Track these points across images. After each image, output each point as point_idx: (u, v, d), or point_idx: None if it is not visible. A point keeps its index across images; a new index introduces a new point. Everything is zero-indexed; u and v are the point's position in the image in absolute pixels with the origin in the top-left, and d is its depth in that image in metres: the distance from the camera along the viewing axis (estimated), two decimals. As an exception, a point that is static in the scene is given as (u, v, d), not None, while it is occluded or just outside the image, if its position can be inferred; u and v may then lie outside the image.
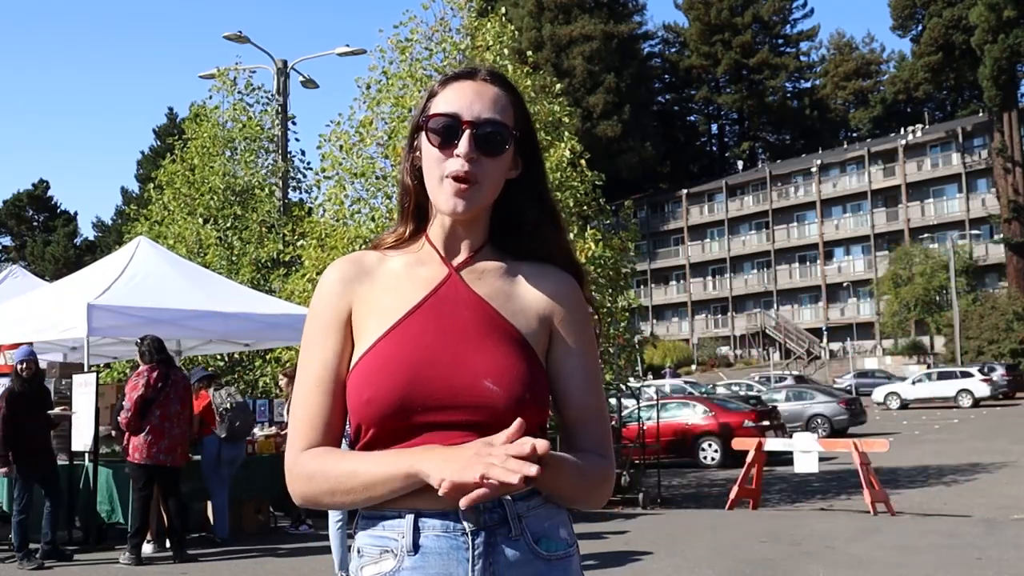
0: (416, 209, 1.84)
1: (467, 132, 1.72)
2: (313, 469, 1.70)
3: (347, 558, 7.03)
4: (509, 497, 1.68)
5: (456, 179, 1.71)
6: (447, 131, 1.73)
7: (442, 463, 1.57)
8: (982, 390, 40.70)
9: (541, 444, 1.53)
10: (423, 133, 1.77)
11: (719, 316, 73.33)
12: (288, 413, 1.80)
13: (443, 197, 1.73)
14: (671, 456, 21.61)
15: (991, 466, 19.24)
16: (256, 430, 12.85)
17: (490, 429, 1.63)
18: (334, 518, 8.14)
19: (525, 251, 1.84)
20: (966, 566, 8.75)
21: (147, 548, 10.17)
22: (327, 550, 8.57)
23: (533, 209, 1.84)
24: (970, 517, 12.68)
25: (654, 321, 74.13)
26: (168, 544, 10.20)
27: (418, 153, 1.80)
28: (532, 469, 1.50)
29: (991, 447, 23.15)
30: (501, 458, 1.52)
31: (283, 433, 12.76)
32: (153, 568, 9.49)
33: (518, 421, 1.57)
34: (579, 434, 1.79)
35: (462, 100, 1.74)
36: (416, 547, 1.66)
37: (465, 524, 1.66)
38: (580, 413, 1.79)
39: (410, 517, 1.67)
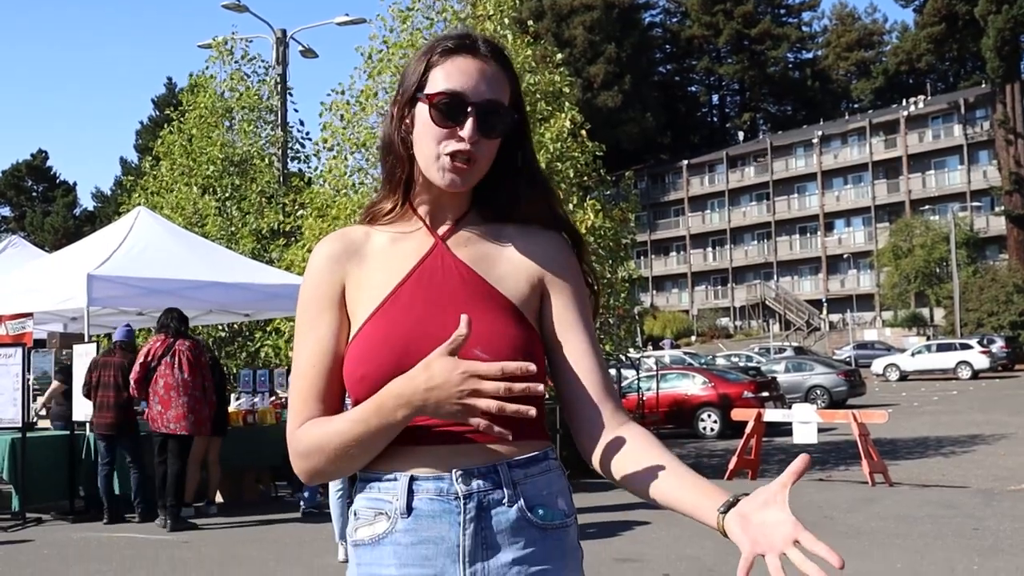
0: (407, 180, 1.82)
1: (473, 114, 1.71)
2: (308, 445, 1.71)
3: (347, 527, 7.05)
4: (505, 463, 1.68)
5: (456, 158, 1.71)
6: (452, 110, 1.71)
7: (426, 401, 1.59)
8: (981, 362, 40.80)
9: (532, 367, 1.56)
10: (422, 106, 1.75)
11: (719, 287, 73.39)
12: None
13: (439, 173, 1.73)
14: (670, 426, 21.71)
15: (989, 438, 19.30)
16: (256, 400, 12.89)
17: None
18: (334, 487, 8.18)
19: (509, 214, 1.84)
20: (963, 536, 8.80)
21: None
22: (327, 518, 8.62)
23: (516, 174, 1.83)
24: (968, 488, 12.72)
25: (654, 292, 74.16)
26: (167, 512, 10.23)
27: (409, 122, 1.78)
28: (531, 411, 1.54)
29: (989, 419, 23.21)
30: (499, 391, 1.55)
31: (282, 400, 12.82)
32: (153, 539, 9.54)
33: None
34: (590, 389, 1.76)
35: (467, 79, 1.72)
36: (409, 509, 1.68)
37: (458, 488, 1.66)
38: (587, 367, 1.76)
39: (404, 480, 1.68)
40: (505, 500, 1.68)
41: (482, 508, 1.67)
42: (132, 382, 9.97)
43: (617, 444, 1.72)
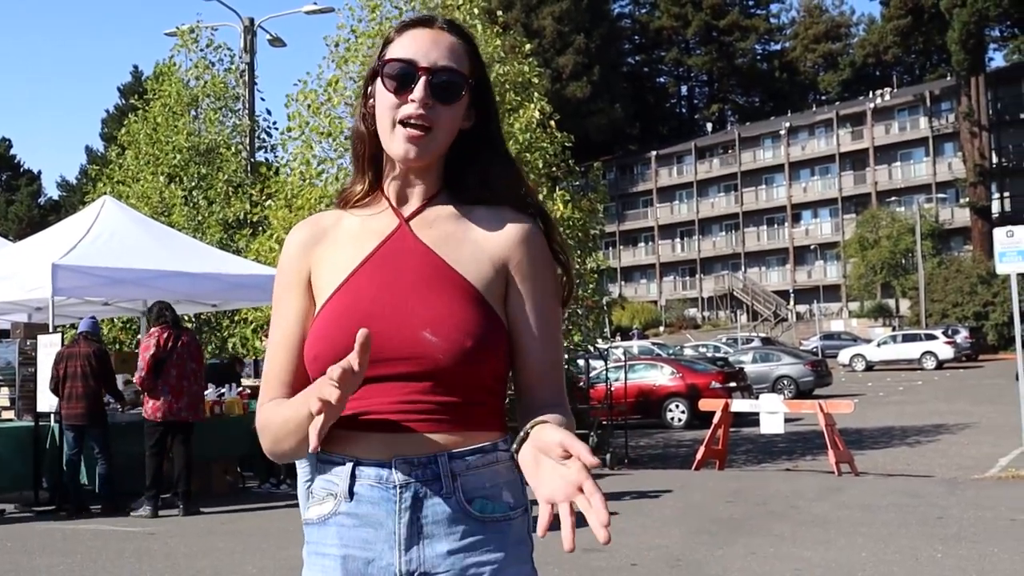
0: (372, 158, 1.82)
1: (423, 78, 1.71)
2: (262, 422, 1.77)
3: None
4: (446, 454, 1.68)
5: (410, 124, 1.71)
6: (403, 77, 1.72)
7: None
8: (946, 352, 41.18)
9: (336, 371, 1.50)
10: (378, 79, 1.76)
11: (687, 278, 73.61)
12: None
13: (396, 143, 1.73)
14: (638, 417, 21.78)
15: (953, 427, 19.50)
16: (223, 391, 12.83)
17: (432, 381, 1.66)
18: (303, 477, 8.14)
19: (479, 197, 1.81)
20: (927, 524, 8.88)
21: (135, 506, 10.33)
22: (295, 506, 8.59)
23: (487, 157, 1.82)
24: (932, 477, 12.86)
25: (622, 283, 74.31)
26: (177, 497, 10.47)
27: (372, 100, 1.79)
28: (333, 395, 1.48)
29: (953, 409, 23.45)
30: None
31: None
32: (119, 530, 9.48)
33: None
34: (535, 385, 1.76)
35: (419, 47, 1.73)
36: (352, 494, 1.70)
37: (396, 476, 1.68)
38: (535, 363, 1.76)
39: (350, 464, 1.71)
40: (443, 491, 1.69)
41: (418, 498, 1.68)
42: (142, 372, 10.14)
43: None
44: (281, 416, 1.72)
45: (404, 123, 1.71)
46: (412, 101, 1.70)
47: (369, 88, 1.80)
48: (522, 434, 1.60)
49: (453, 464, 1.69)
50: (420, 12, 14.97)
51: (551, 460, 1.49)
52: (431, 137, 1.72)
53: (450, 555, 1.68)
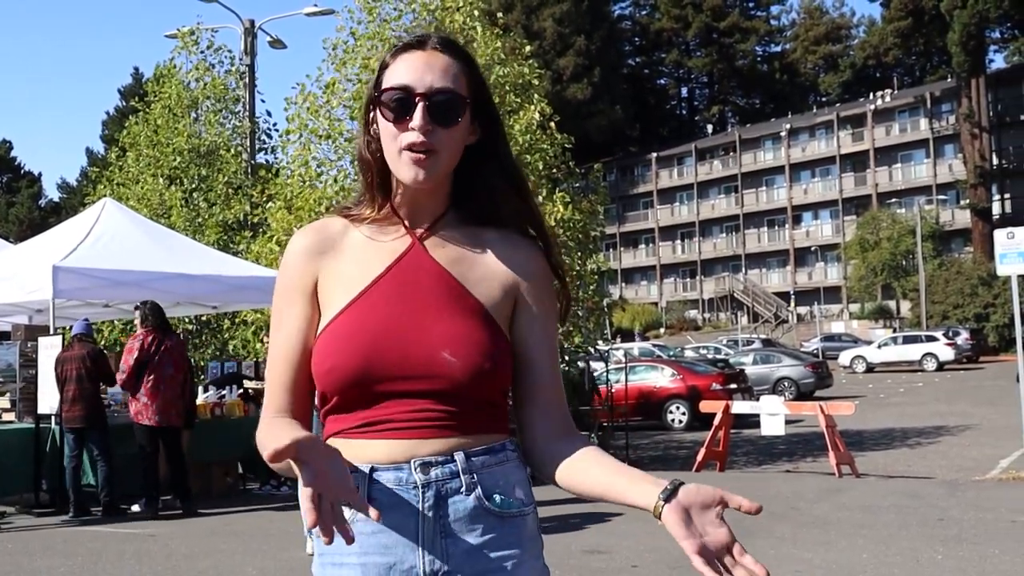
0: (380, 184, 1.83)
1: (420, 104, 1.72)
2: (258, 437, 1.73)
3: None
4: (462, 453, 1.71)
5: (414, 149, 1.72)
6: (400, 104, 1.73)
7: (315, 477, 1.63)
8: (946, 354, 41.16)
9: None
10: (378, 108, 1.77)
11: (688, 280, 73.64)
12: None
13: (403, 169, 1.74)
14: (639, 418, 21.77)
15: (954, 429, 19.50)
16: (224, 392, 12.84)
17: (449, 397, 1.69)
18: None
19: (486, 216, 1.84)
20: (928, 526, 8.88)
21: (135, 508, 10.40)
22: (296, 507, 8.59)
23: (492, 173, 1.84)
24: (932, 479, 12.86)
25: (623, 284, 74.32)
26: (176, 500, 10.62)
27: (375, 126, 1.79)
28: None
29: (954, 410, 23.45)
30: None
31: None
32: (119, 532, 9.48)
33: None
34: (547, 399, 1.82)
35: (413, 72, 1.74)
36: (369, 500, 1.69)
37: (417, 478, 1.69)
38: (548, 384, 1.82)
39: (365, 470, 1.71)
40: (463, 488, 1.70)
41: (440, 497, 1.70)
42: (123, 375, 10.23)
43: (561, 450, 1.78)
44: (265, 441, 1.66)
45: (408, 148, 1.72)
46: (412, 128, 1.71)
47: (371, 115, 1.81)
48: (670, 486, 1.60)
49: (470, 462, 1.71)
50: (423, 18, 15.02)
51: (708, 516, 1.55)
52: (436, 159, 1.73)
53: (473, 551, 1.70)
